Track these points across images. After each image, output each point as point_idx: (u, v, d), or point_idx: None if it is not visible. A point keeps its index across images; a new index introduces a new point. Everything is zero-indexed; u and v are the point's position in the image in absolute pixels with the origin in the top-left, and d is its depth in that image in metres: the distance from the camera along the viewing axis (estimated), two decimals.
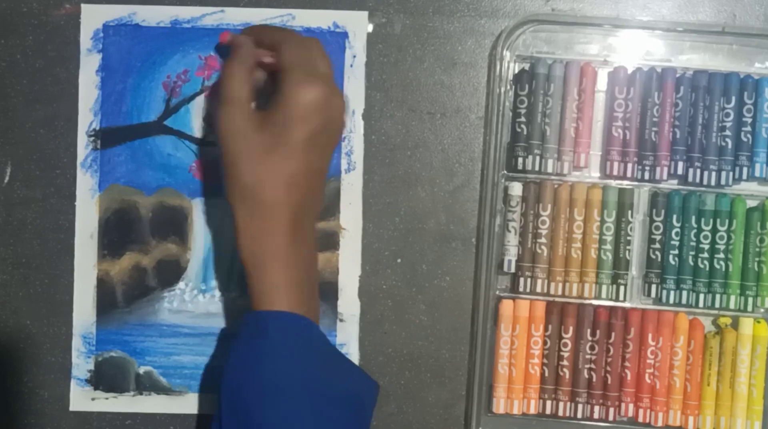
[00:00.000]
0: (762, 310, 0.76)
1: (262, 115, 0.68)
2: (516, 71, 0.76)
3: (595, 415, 0.76)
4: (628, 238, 0.75)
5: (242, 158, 0.67)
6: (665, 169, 0.75)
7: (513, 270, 0.76)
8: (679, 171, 0.75)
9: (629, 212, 0.75)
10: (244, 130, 0.67)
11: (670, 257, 0.75)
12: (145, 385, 0.77)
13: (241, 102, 0.68)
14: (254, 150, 0.67)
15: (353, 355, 0.77)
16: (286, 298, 0.67)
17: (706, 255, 0.75)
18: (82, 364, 0.77)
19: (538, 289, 0.76)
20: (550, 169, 0.75)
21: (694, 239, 0.75)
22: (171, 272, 0.77)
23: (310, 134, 0.67)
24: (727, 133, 0.75)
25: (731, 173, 0.75)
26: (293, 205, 0.68)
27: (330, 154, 0.71)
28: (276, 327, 0.67)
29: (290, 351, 0.67)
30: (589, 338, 0.76)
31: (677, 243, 0.75)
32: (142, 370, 0.77)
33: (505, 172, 0.76)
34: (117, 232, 0.77)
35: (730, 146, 0.75)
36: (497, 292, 0.77)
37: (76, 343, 0.77)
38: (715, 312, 0.76)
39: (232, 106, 0.68)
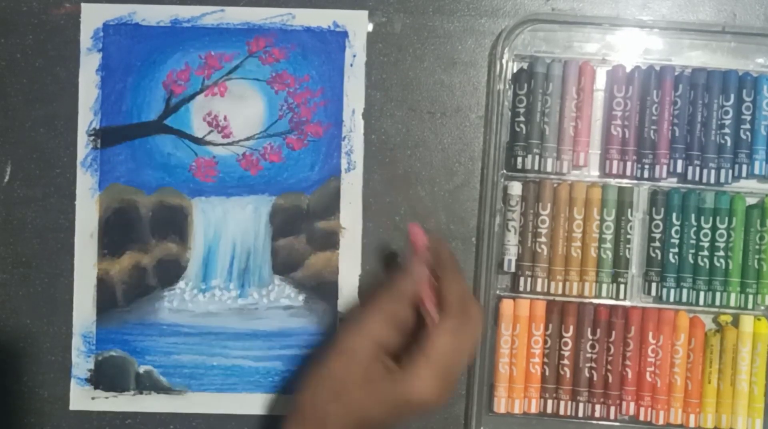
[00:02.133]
0: (762, 307, 0.76)
1: (378, 369, 0.64)
2: (515, 71, 0.76)
3: (597, 414, 0.75)
4: (628, 236, 0.75)
5: (339, 388, 0.64)
6: (664, 168, 0.75)
7: (513, 269, 0.76)
8: (679, 169, 0.75)
9: (629, 211, 0.75)
10: (357, 366, 0.64)
11: (670, 255, 0.75)
12: (145, 385, 0.77)
13: (372, 339, 0.64)
14: (350, 391, 0.64)
15: None
16: None
17: (706, 253, 0.75)
18: (82, 364, 0.77)
19: (539, 289, 0.76)
20: (549, 169, 0.75)
21: (694, 237, 0.75)
22: (171, 271, 0.77)
23: (400, 420, 0.64)
24: (726, 130, 0.75)
25: (730, 171, 0.75)
26: None
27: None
28: None
29: None
30: (590, 337, 0.75)
31: (677, 241, 0.75)
32: (142, 369, 0.77)
33: (505, 171, 0.76)
34: (117, 232, 0.77)
35: (729, 144, 0.75)
36: (497, 292, 0.76)
37: (76, 343, 0.77)
38: (716, 310, 0.76)
39: (361, 335, 0.64)
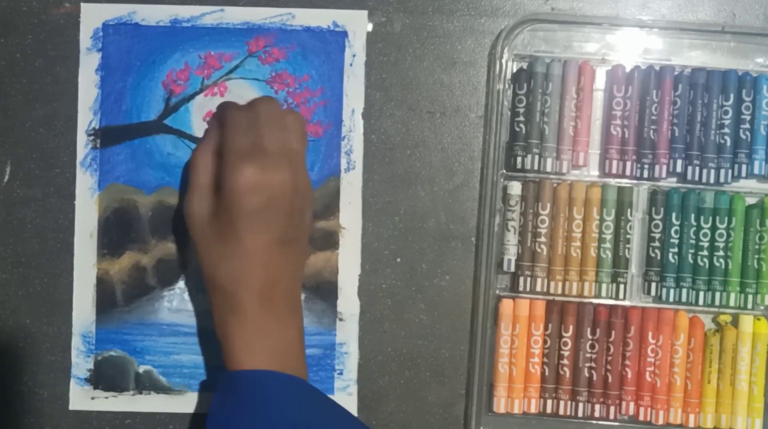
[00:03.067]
0: (762, 307, 0.75)
1: (216, 201, 0.68)
2: (515, 70, 0.76)
3: (596, 414, 0.75)
4: (628, 236, 0.75)
5: (201, 245, 0.69)
6: (664, 167, 0.75)
7: (513, 269, 0.76)
8: (678, 169, 0.75)
9: (628, 210, 0.75)
10: (201, 216, 0.69)
11: (670, 255, 0.75)
12: (145, 385, 0.77)
13: (203, 189, 0.69)
14: (209, 236, 0.68)
15: (353, 354, 0.77)
16: (259, 360, 0.67)
17: (705, 253, 0.75)
18: (81, 364, 0.77)
19: (538, 288, 0.76)
20: (549, 168, 0.75)
21: (694, 237, 0.75)
22: (171, 271, 0.77)
23: (251, 213, 0.66)
24: (726, 130, 0.75)
25: (730, 171, 0.75)
26: (254, 283, 0.68)
27: (292, 223, 0.69)
28: (251, 385, 0.67)
29: (266, 408, 0.66)
30: (590, 337, 0.75)
31: (677, 241, 0.75)
32: (141, 369, 0.77)
33: (505, 171, 0.76)
34: (117, 231, 0.77)
35: (728, 144, 0.75)
36: (497, 292, 0.76)
37: (76, 342, 0.77)
38: (715, 309, 0.76)
39: (193, 193, 0.69)
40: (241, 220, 0.66)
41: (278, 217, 0.68)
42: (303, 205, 0.70)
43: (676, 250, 0.75)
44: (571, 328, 0.75)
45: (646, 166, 0.75)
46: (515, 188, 0.76)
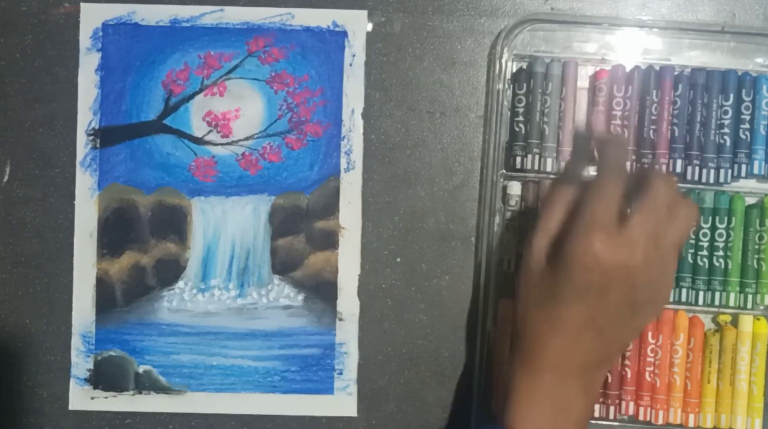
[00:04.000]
0: (762, 307, 0.75)
1: (555, 256, 0.64)
2: (514, 70, 0.76)
3: (596, 414, 0.75)
4: None
5: (525, 292, 0.66)
6: (664, 167, 0.75)
7: (512, 269, 0.76)
8: (678, 169, 0.75)
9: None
10: (539, 265, 0.65)
11: None
12: (145, 384, 0.77)
13: (550, 234, 0.64)
14: (535, 289, 0.65)
15: (352, 354, 0.77)
16: (540, 421, 0.64)
17: (705, 253, 0.75)
18: (81, 363, 0.77)
19: None
20: (549, 168, 0.75)
21: (693, 237, 0.75)
22: (170, 271, 0.77)
23: (582, 288, 0.62)
24: (726, 130, 0.75)
25: (730, 171, 0.75)
26: (555, 350, 0.64)
27: (621, 312, 0.63)
28: None
29: None
30: None
31: None
32: (141, 369, 0.77)
33: (504, 171, 0.76)
34: (116, 231, 0.77)
35: (728, 144, 0.75)
36: (497, 291, 0.76)
37: (76, 342, 0.77)
38: (715, 309, 0.76)
39: (539, 236, 0.65)
40: (565, 290, 0.63)
41: (604, 301, 0.63)
42: (646, 300, 0.64)
43: None
44: None
45: (646, 166, 0.75)
46: (515, 188, 0.76)
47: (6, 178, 0.77)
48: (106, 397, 0.77)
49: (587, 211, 0.62)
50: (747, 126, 0.75)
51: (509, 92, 0.76)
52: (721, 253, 0.75)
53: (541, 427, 0.64)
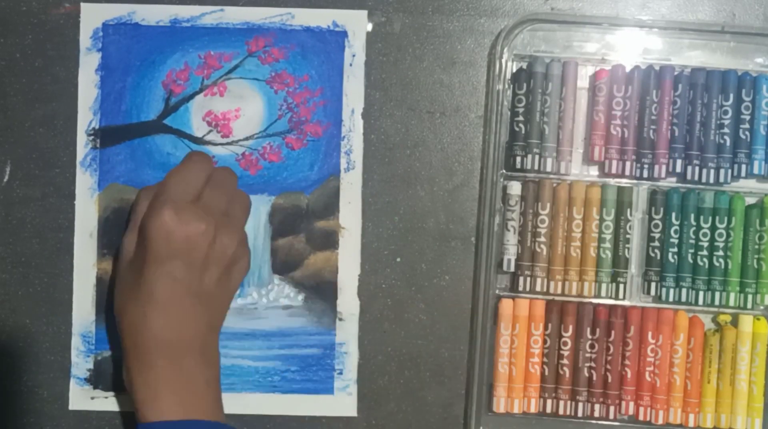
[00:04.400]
0: (761, 307, 0.75)
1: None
2: (514, 70, 0.76)
3: (596, 414, 0.75)
4: (627, 236, 0.75)
5: (119, 284, 0.71)
6: (664, 167, 0.75)
7: (512, 269, 0.76)
8: (678, 169, 0.75)
9: (628, 210, 0.75)
10: (127, 256, 0.71)
11: (670, 255, 0.75)
12: None
13: (136, 229, 0.70)
14: (126, 276, 0.70)
15: (352, 354, 0.77)
16: (166, 410, 0.67)
17: (705, 252, 0.75)
18: (81, 363, 0.77)
19: (538, 288, 0.76)
20: (549, 168, 0.75)
21: (693, 237, 0.75)
22: None
23: (161, 258, 0.67)
24: (726, 130, 0.75)
25: (730, 171, 0.75)
26: (158, 332, 0.68)
27: (209, 278, 0.70)
28: None
29: None
30: (589, 337, 0.75)
31: (676, 241, 0.75)
32: None
33: (504, 171, 0.76)
34: (116, 231, 0.77)
35: (728, 144, 0.75)
36: (497, 291, 0.76)
37: (76, 342, 0.77)
38: (715, 309, 0.76)
39: (128, 232, 0.71)
40: (150, 264, 0.67)
41: (193, 270, 0.68)
42: (226, 263, 0.70)
43: (675, 249, 0.75)
44: (570, 327, 0.75)
45: (646, 166, 0.75)
46: (515, 188, 0.76)
47: (6, 178, 0.77)
48: (106, 397, 0.77)
49: (162, 191, 0.69)
50: (747, 126, 0.75)
51: (509, 92, 0.76)
52: (721, 253, 0.75)
53: (173, 414, 0.67)
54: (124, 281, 0.70)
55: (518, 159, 0.75)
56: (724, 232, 0.75)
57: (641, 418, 0.75)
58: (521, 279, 0.76)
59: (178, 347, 0.68)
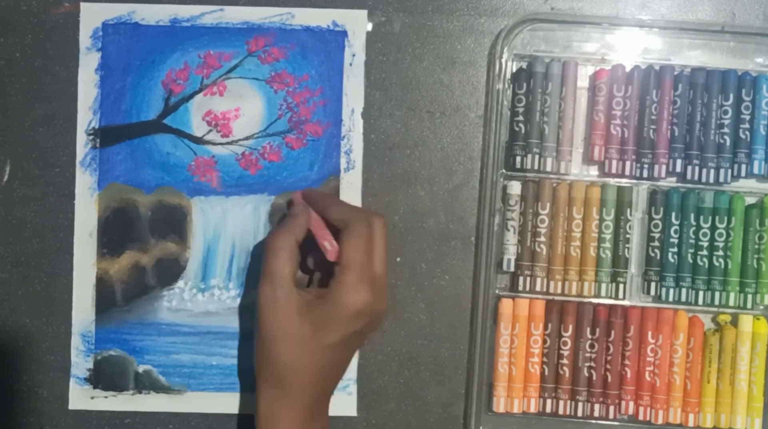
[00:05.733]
0: (761, 307, 0.76)
1: (307, 302, 0.69)
2: (514, 70, 0.76)
3: (596, 414, 0.76)
4: (627, 236, 0.75)
5: (278, 338, 0.68)
6: (664, 167, 0.75)
7: (512, 269, 0.76)
8: (678, 169, 0.75)
9: (628, 210, 0.75)
10: (285, 311, 0.68)
11: (669, 255, 0.75)
12: (144, 384, 0.77)
13: (286, 279, 0.68)
14: (291, 334, 0.68)
15: None
16: None
17: (705, 252, 0.75)
18: (81, 363, 0.77)
19: (538, 288, 0.76)
20: (548, 168, 0.75)
21: (693, 237, 0.75)
22: (170, 271, 0.77)
23: (349, 336, 0.69)
24: (726, 130, 0.75)
25: (729, 170, 0.75)
26: (318, 390, 0.70)
27: (358, 347, 0.74)
28: None
29: None
30: (589, 336, 0.76)
31: (676, 241, 0.75)
32: (141, 368, 0.77)
33: (504, 170, 0.76)
34: (116, 231, 0.77)
35: (728, 143, 0.75)
36: (497, 291, 0.77)
37: (76, 342, 0.77)
38: (715, 309, 0.76)
39: (274, 283, 0.68)
40: (337, 335, 0.68)
41: (361, 341, 0.72)
42: (376, 329, 0.73)
43: (675, 249, 0.75)
44: (570, 327, 0.75)
45: (646, 166, 0.75)
46: (515, 188, 0.76)
47: (6, 178, 0.77)
48: (105, 397, 0.77)
49: (354, 265, 0.68)
50: (747, 126, 0.75)
51: (509, 92, 0.76)
52: (720, 252, 0.75)
53: None
54: (295, 332, 0.68)
55: (518, 159, 0.75)
56: (724, 232, 0.75)
57: (641, 417, 0.75)
58: (521, 279, 0.76)
59: (326, 393, 0.71)
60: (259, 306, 0.69)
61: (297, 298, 0.68)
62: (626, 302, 0.76)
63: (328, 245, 0.70)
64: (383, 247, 0.70)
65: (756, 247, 0.75)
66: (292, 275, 0.68)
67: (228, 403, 0.77)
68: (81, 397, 0.77)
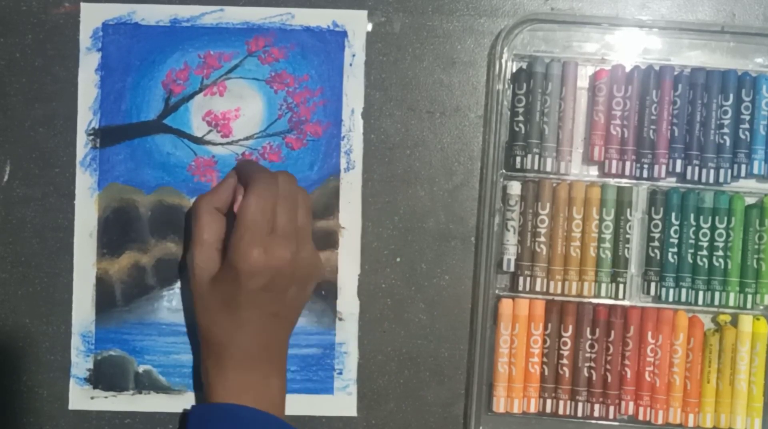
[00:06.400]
0: (761, 307, 0.76)
1: (221, 266, 0.70)
2: (514, 70, 0.76)
3: (596, 414, 0.76)
4: (627, 236, 0.75)
5: (199, 300, 0.71)
6: (663, 167, 0.75)
7: (512, 269, 0.76)
8: (678, 169, 0.75)
9: (628, 210, 0.75)
10: (201, 275, 0.71)
11: (669, 255, 0.75)
12: (145, 384, 0.77)
13: (205, 244, 0.71)
14: (207, 298, 0.71)
15: (352, 354, 0.77)
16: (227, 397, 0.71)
17: (705, 252, 0.75)
18: (81, 363, 0.77)
19: (538, 288, 0.76)
20: (548, 168, 0.75)
21: (693, 237, 0.75)
22: (170, 271, 0.77)
23: (254, 292, 0.69)
24: (725, 130, 0.75)
25: (729, 171, 0.75)
26: (245, 346, 0.71)
27: (291, 298, 0.72)
28: (228, 417, 0.71)
29: None
30: (589, 337, 0.76)
31: (676, 241, 0.75)
32: (141, 368, 0.77)
33: (504, 171, 0.76)
34: (116, 231, 0.77)
35: (728, 144, 0.75)
36: (496, 291, 0.77)
37: (75, 342, 0.77)
38: (715, 309, 0.76)
39: (198, 250, 0.71)
40: (241, 295, 0.69)
41: (277, 294, 0.70)
42: (304, 277, 0.72)
43: (675, 249, 0.75)
44: (570, 327, 0.76)
45: (646, 166, 0.75)
46: (515, 188, 0.76)
47: (6, 178, 0.77)
48: (105, 397, 0.77)
49: (243, 225, 0.68)
50: (747, 126, 0.75)
51: (509, 92, 0.76)
52: (720, 253, 0.75)
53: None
54: (205, 298, 0.71)
55: (518, 159, 0.75)
56: (723, 232, 0.75)
57: (641, 418, 0.76)
58: (521, 279, 0.76)
59: (259, 358, 0.72)
60: (189, 268, 0.72)
61: (214, 263, 0.70)
62: (626, 302, 0.76)
63: (236, 206, 0.71)
64: (291, 200, 0.71)
65: (756, 247, 0.75)
66: (212, 239, 0.71)
67: None
68: (81, 397, 0.77)
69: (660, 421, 0.75)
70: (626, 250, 0.76)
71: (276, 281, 0.69)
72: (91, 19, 0.77)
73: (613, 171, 0.75)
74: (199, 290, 0.71)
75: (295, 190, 0.72)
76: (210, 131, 0.77)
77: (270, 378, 0.72)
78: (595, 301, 0.76)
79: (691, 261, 0.75)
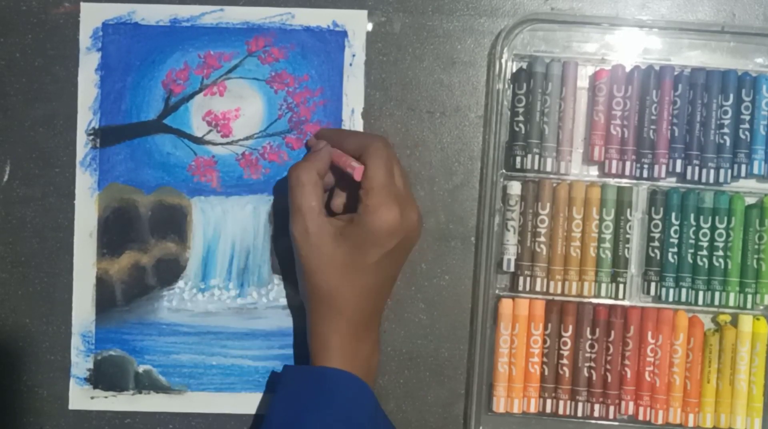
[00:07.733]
0: (761, 307, 0.76)
1: (339, 229, 0.70)
2: (514, 70, 0.76)
3: (596, 414, 0.76)
4: (627, 236, 0.75)
5: (319, 268, 0.70)
6: (663, 167, 0.75)
7: (512, 269, 0.76)
8: (678, 169, 0.75)
9: (628, 210, 0.75)
10: (318, 241, 0.70)
11: (669, 255, 0.75)
12: (145, 384, 0.77)
13: (314, 211, 0.70)
14: (331, 262, 0.70)
15: None
16: (346, 365, 0.71)
17: (705, 252, 0.75)
18: (81, 363, 0.77)
19: (538, 288, 0.76)
20: (548, 168, 0.75)
21: (693, 237, 0.75)
22: (170, 271, 0.77)
23: (386, 254, 0.70)
24: (725, 130, 0.75)
25: (729, 171, 0.75)
26: (366, 310, 0.72)
27: (402, 263, 0.74)
28: (334, 383, 0.71)
29: (346, 409, 0.70)
30: (589, 337, 0.76)
31: (676, 241, 0.75)
32: (141, 368, 0.77)
33: (504, 171, 0.76)
34: (116, 231, 0.77)
35: (728, 144, 0.75)
36: (496, 291, 0.77)
37: (76, 342, 0.77)
38: (715, 309, 0.76)
39: (304, 216, 0.70)
40: (375, 255, 0.70)
41: (398, 257, 0.72)
42: (414, 241, 0.74)
43: (675, 249, 0.75)
44: (570, 327, 0.76)
45: (646, 166, 0.75)
46: (515, 188, 0.76)
47: (6, 178, 0.77)
48: (105, 397, 0.77)
49: (376, 185, 0.70)
50: (747, 126, 0.75)
51: (509, 92, 0.76)
52: (720, 253, 0.75)
53: (337, 365, 0.71)
54: (329, 263, 0.70)
55: (518, 159, 0.75)
56: (723, 232, 0.75)
57: (641, 417, 0.76)
58: (521, 279, 0.76)
59: (369, 326, 0.73)
60: (294, 243, 0.71)
61: (328, 227, 0.70)
62: (626, 302, 0.76)
63: (355, 164, 0.71)
64: (399, 163, 0.72)
65: (756, 247, 0.75)
66: (319, 206, 0.70)
67: (228, 403, 0.77)
68: (81, 397, 0.77)
69: (660, 421, 0.76)
70: (626, 250, 0.76)
71: (404, 243, 0.71)
72: (91, 18, 0.77)
73: (613, 171, 0.75)
74: (319, 257, 0.70)
75: (395, 154, 0.73)
76: (210, 131, 0.77)
77: (367, 340, 0.73)
78: (595, 301, 0.76)
79: (691, 261, 0.75)
